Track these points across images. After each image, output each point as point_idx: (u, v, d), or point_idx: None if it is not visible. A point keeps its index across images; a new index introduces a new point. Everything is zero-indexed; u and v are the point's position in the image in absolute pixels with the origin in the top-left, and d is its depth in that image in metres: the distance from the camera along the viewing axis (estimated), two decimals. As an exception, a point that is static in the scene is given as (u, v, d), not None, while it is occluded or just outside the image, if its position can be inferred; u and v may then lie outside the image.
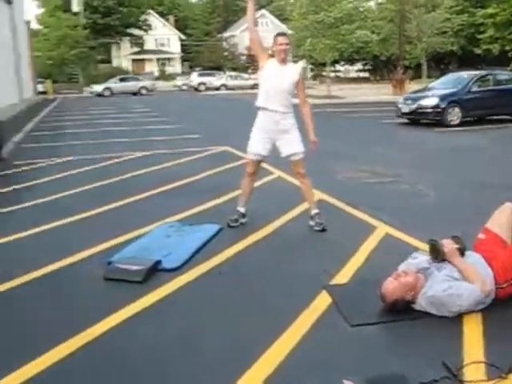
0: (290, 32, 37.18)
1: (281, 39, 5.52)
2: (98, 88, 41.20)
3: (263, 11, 71.49)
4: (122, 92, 39.89)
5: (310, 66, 45.49)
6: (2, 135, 10.03)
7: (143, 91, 39.91)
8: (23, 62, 32.73)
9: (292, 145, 5.63)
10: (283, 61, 5.53)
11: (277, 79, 5.49)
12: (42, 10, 62.84)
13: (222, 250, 5.08)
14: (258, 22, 69.61)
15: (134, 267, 4.45)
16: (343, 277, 4.40)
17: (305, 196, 5.90)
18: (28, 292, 4.32)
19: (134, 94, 39.79)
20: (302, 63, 6.19)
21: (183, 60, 70.28)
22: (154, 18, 69.41)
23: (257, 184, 6.44)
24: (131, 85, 41.07)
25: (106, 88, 40.83)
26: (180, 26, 73.96)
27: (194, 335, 3.54)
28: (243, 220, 5.90)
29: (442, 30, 31.91)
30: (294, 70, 5.60)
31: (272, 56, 5.65)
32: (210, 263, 4.77)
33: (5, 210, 6.84)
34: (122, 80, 42.43)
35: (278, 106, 5.53)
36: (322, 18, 29.06)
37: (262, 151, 5.71)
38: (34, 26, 47.56)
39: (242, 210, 5.90)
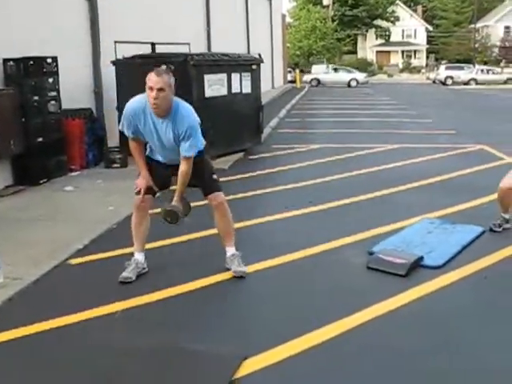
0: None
1: None
2: (307, 78, 41.90)
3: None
4: (330, 83, 40.02)
5: None
6: (262, 120, 10.78)
7: (353, 83, 39.51)
8: (276, 53, 34.89)
9: None
10: None
11: None
12: (293, 4, 66.13)
13: (486, 253, 4.84)
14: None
15: (398, 260, 4.48)
16: None
17: None
18: (287, 273, 4.61)
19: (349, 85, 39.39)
20: None
21: (429, 52, 67.92)
22: (401, 9, 68.19)
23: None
24: (340, 76, 40.89)
25: (314, 78, 41.47)
26: (428, 16, 71.54)
27: (458, 339, 3.45)
28: (507, 225, 5.55)
29: None
30: None
31: None
32: (474, 266, 4.58)
33: (261, 191, 7.42)
34: (333, 71, 42.58)
35: None
36: None
37: None
38: (286, 19, 50.08)
39: (506, 216, 5.55)
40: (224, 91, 9.53)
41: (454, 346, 3.36)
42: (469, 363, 3.17)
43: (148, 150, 4.40)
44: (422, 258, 4.59)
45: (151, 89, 3.89)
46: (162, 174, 4.35)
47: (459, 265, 4.59)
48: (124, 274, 4.31)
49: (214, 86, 9.30)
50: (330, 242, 5.20)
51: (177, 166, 4.19)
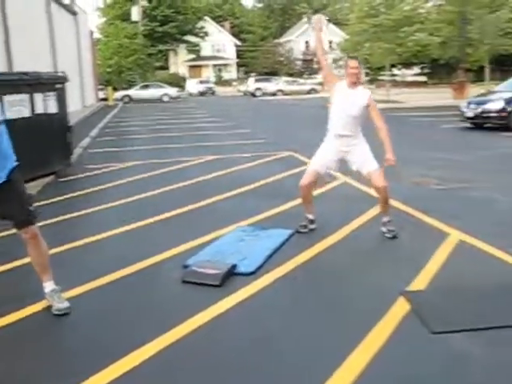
0: (346, 37, 36.93)
1: (352, 63, 5.55)
2: (118, 95, 41.21)
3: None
4: (142, 99, 39.54)
5: (366, 71, 44.76)
6: (71, 140, 10.33)
7: (165, 98, 39.70)
8: (86, 70, 33.86)
9: (365, 162, 5.60)
10: (353, 84, 5.57)
11: (345, 104, 5.51)
12: (102, 20, 64.81)
13: (294, 255, 5.11)
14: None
15: (211, 271, 4.55)
16: (419, 284, 4.37)
17: (380, 203, 5.81)
18: (107, 294, 4.48)
19: (161, 101, 39.48)
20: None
21: (239, 66, 70.84)
22: (209, 25, 70.31)
23: (324, 189, 6.45)
24: (152, 92, 40.83)
25: (125, 95, 41.03)
26: (235, 31, 74.62)
27: (273, 339, 3.60)
28: (312, 226, 5.92)
29: (507, 30, 30.39)
30: (363, 95, 5.57)
31: (342, 79, 5.70)
32: (284, 268, 4.81)
33: (77, 213, 7.12)
34: (143, 87, 42.42)
35: (345, 130, 5.56)
36: (381, 21, 28.53)
37: (321, 170, 5.77)
38: (95, 35, 48.88)
39: (310, 216, 5.92)
40: (26, 112, 8.97)
41: (271, 345, 3.48)
42: (282, 359, 3.31)
43: None
44: (235, 266, 4.71)
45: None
46: None
47: (270, 268, 4.78)
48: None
49: (14, 107, 8.72)
50: (148, 258, 5.12)
51: None
